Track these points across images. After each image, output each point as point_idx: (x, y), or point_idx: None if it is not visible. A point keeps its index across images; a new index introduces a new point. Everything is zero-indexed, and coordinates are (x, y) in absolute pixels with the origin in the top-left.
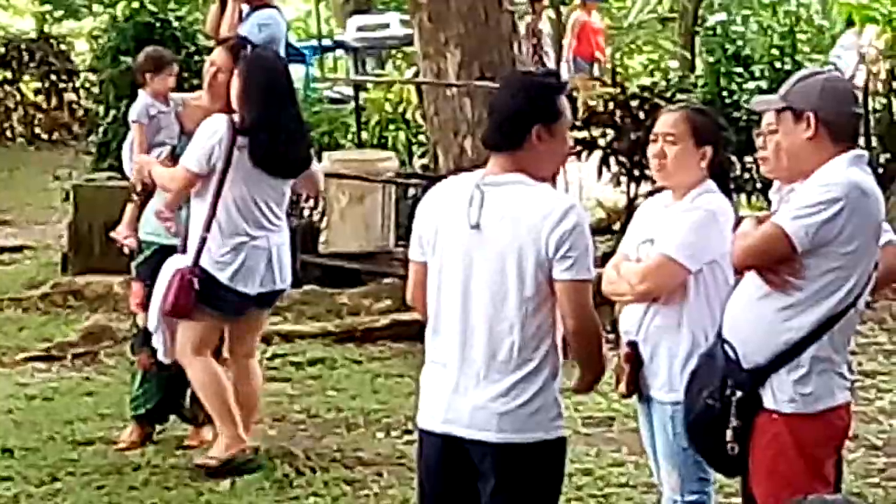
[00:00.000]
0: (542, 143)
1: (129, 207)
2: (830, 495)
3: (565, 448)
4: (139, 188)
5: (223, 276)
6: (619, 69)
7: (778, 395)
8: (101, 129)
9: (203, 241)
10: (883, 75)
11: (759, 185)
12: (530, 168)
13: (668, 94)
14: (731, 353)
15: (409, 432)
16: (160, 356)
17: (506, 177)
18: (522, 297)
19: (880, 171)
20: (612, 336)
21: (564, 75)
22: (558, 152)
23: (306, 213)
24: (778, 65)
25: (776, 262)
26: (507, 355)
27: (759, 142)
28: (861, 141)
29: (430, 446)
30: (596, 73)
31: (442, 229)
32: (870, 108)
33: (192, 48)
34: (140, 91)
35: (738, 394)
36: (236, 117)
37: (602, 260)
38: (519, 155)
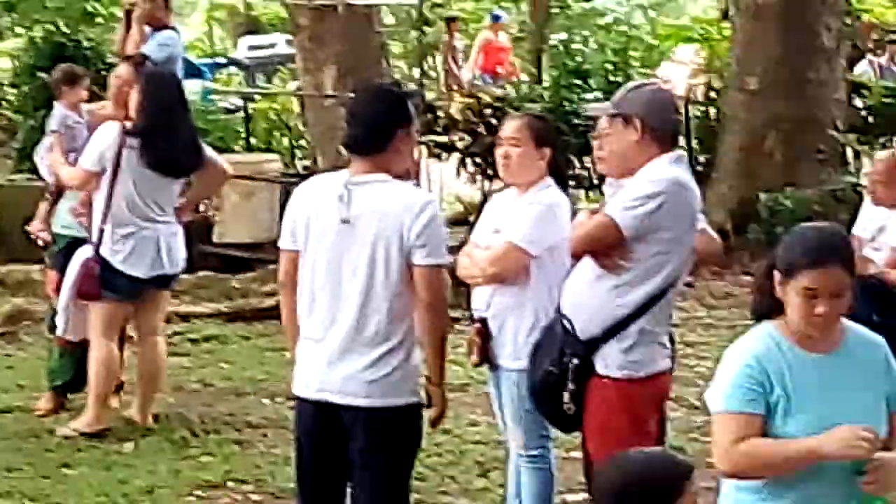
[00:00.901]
0: (402, 145)
1: (42, 205)
2: (652, 448)
3: (422, 411)
4: (52, 188)
5: (116, 262)
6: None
7: (609, 362)
8: (20, 137)
9: (101, 231)
10: (701, 87)
11: (595, 182)
12: (390, 168)
13: (518, 104)
14: (568, 327)
15: (291, 399)
16: (59, 332)
17: (370, 177)
18: (388, 282)
19: (699, 168)
20: (466, 313)
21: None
22: (409, 153)
23: (202, 208)
24: (612, 78)
25: (608, 248)
26: (374, 332)
27: (595, 144)
28: (682, 142)
29: (305, 411)
30: (499, 86)
31: (313, 222)
32: (690, 114)
33: (101, 65)
34: (55, 103)
35: (575, 361)
36: (128, 124)
37: (459, 248)
38: (382, 157)
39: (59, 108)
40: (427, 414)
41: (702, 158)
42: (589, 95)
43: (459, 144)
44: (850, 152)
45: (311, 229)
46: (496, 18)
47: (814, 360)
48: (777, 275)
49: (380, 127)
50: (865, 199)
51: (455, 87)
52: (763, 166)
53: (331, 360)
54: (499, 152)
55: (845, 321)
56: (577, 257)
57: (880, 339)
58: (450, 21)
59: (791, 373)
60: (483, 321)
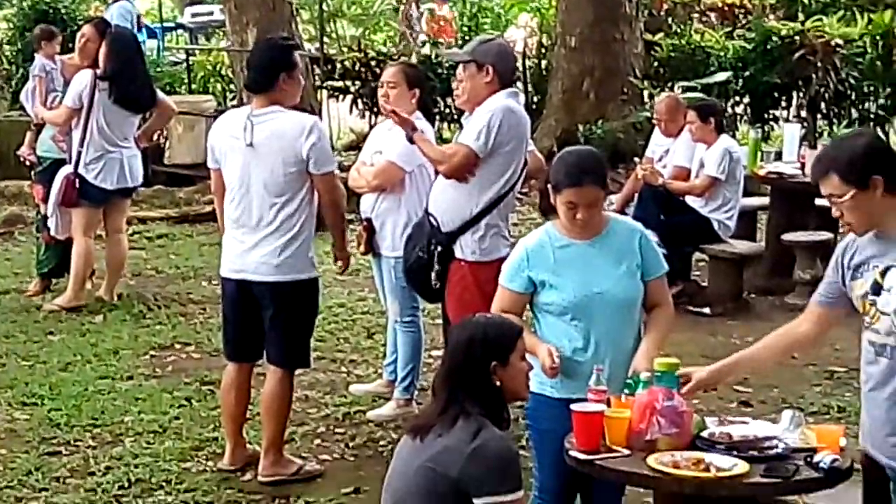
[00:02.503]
0: (287, 86)
1: (29, 134)
2: (492, 314)
3: (319, 284)
4: (36, 122)
5: (90, 177)
6: (365, 41)
7: (465, 249)
8: (13, 82)
9: (79, 154)
10: (534, 45)
11: (456, 116)
12: (280, 103)
13: (397, 57)
14: (434, 222)
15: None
16: (53, 233)
17: (265, 109)
18: (285, 188)
19: (533, 107)
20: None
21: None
22: (296, 91)
23: (156, 137)
24: (467, 38)
25: (469, 169)
26: (277, 225)
27: (455, 86)
28: (519, 86)
29: (229, 288)
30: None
31: (227, 147)
32: (527, 66)
33: (75, 26)
34: (36, 54)
35: (439, 248)
36: (98, 71)
37: (350, 167)
38: (272, 94)
39: (38, 58)
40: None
41: (535, 100)
42: (450, 50)
43: (352, 88)
44: (646, 94)
45: (227, 152)
46: None
47: (578, 246)
48: (550, 188)
49: (267, 71)
50: (656, 129)
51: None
52: (581, 105)
53: (246, 248)
54: (381, 92)
55: (609, 214)
56: (448, 178)
57: (637, 225)
58: None
59: (556, 257)
60: (369, 220)
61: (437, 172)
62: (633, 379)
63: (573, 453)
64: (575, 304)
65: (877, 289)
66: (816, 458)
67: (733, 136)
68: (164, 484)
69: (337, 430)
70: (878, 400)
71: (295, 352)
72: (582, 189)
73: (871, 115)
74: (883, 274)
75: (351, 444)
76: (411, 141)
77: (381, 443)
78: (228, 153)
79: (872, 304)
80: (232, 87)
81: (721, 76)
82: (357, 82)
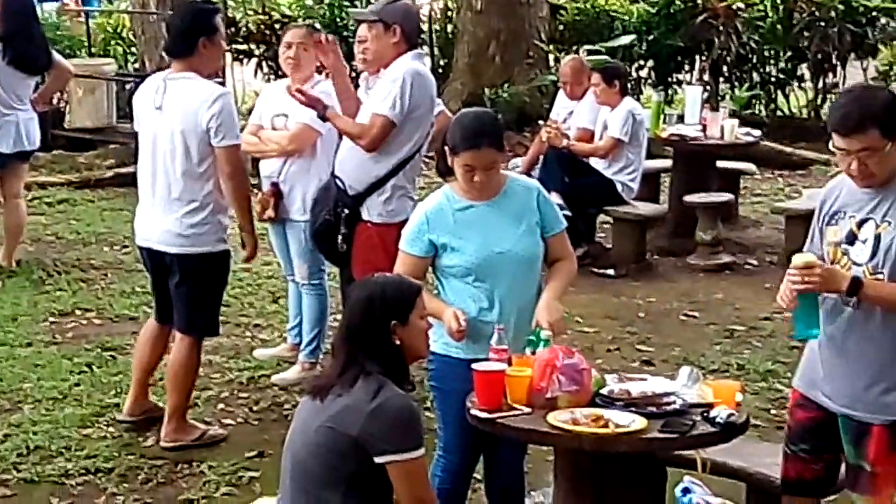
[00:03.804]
0: (206, 50)
1: None
2: (391, 274)
3: (229, 257)
4: None
5: None
6: (270, 4)
7: (371, 211)
8: None
9: None
10: (440, 9)
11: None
12: (200, 68)
13: (301, 20)
14: (341, 185)
15: (126, 247)
16: None
17: (180, 75)
18: (188, 157)
19: (440, 70)
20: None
21: None
22: (216, 56)
23: (55, 100)
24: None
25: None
26: (179, 195)
27: (358, 48)
28: (425, 49)
29: (143, 255)
30: None
31: (142, 110)
32: (433, 30)
33: None
34: None
35: (346, 211)
36: None
37: None
38: (191, 59)
39: None
40: (245, 252)
41: (441, 64)
42: (354, 10)
43: (257, 52)
44: (551, 58)
45: (141, 116)
46: None
47: (477, 208)
48: (447, 150)
49: (187, 35)
50: (560, 92)
51: None
52: (487, 68)
53: (154, 216)
54: (284, 55)
55: (507, 173)
56: (369, 151)
57: (534, 184)
58: None
59: (456, 220)
60: (276, 185)
61: (341, 135)
62: (535, 335)
63: (475, 412)
64: (477, 266)
65: (851, 238)
66: (713, 413)
67: (637, 100)
68: (63, 451)
69: (241, 394)
70: (841, 349)
71: (200, 320)
72: (479, 152)
73: (772, 79)
74: (860, 225)
75: (255, 409)
76: (324, 120)
77: (286, 406)
78: (142, 117)
79: (845, 254)
80: (133, 50)
81: (625, 39)
82: (262, 45)
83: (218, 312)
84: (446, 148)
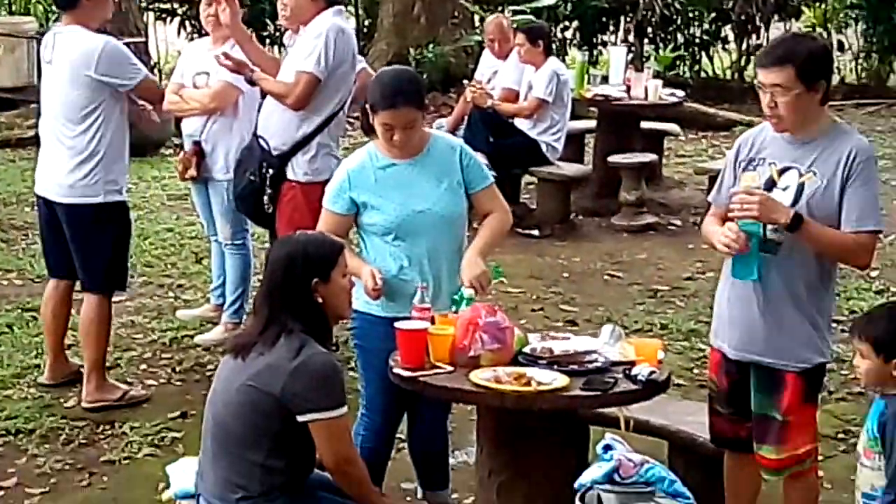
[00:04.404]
0: (90, 2)
1: None
2: (313, 231)
3: (125, 210)
4: None
5: None
6: None
7: (296, 170)
8: None
9: None
10: None
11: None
12: (88, 21)
13: None
14: (264, 145)
15: None
16: None
17: (66, 28)
18: (73, 107)
19: (364, 31)
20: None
21: None
22: (101, 9)
23: None
24: None
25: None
26: (70, 145)
27: (280, 4)
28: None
29: (39, 205)
30: None
31: (42, 65)
32: None
33: None
34: None
35: (271, 171)
36: None
37: None
38: (77, 11)
39: None
40: None
41: (366, 24)
42: None
43: (179, 11)
44: (476, 18)
45: (42, 70)
46: None
47: (399, 167)
48: (368, 108)
49: None
50: (485, 52)
51: None
52: (412, 28)
53: (46, 166)
54: (207, 12)
55: (431, 131)
56: (297, 110)
57: (458, 142)
58: None
59: (377, 178)
60: (198, 143)
61: (263, 95)
62: (458, 294)
63: (397, 370)
64: (398, 224)
65: (770, 185)
66: (634, 371)
67: (562, 60)
68: None
69: (164, 355)
70: (754, 297)
71: (98, 275)
72: (398, 111)
73: (696, 40)
74: (781, 172)
75: (178, 369)
76: (252, 83)
77: (209, 367)
78: (43, 70)
79: None
80: (54, 7)
81: (550, 0)
82: (185, 4)
83: (124, 267)
84: (367, 107)
